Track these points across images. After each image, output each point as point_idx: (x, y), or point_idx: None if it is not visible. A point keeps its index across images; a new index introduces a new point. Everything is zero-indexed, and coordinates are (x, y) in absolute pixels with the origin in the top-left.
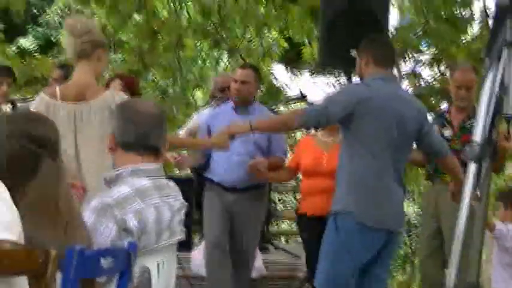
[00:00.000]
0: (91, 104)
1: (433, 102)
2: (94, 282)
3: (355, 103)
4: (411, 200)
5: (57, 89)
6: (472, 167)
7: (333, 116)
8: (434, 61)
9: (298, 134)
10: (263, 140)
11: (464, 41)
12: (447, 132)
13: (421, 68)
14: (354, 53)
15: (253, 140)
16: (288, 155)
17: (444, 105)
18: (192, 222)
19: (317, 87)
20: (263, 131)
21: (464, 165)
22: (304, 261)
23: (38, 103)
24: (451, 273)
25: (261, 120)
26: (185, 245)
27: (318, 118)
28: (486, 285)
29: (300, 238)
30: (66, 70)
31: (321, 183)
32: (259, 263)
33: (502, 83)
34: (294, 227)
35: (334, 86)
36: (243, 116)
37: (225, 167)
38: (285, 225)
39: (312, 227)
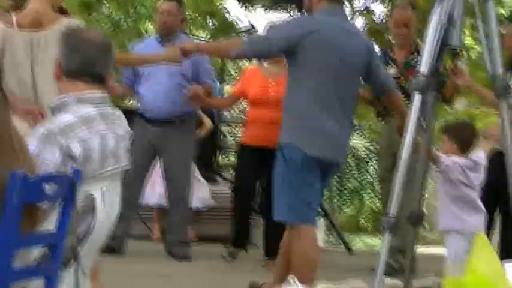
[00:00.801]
0: (48, 32)
1: (387, 39)
2: (37, 207)
3: (300, 35)
4: (360, 134)
5: (13, 17)
6: (417, 98)
7: (275, 47)
8: None
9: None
10: (189, 70)
11: None
12: (392, 71)
13: (373, 4)
14: None
15: (179, 71)
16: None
17: None
18: None
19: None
20: (206, 54)
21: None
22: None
23: None
24: (392, 203)
25: (206, 44)
26: None
27: (259, 49)
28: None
29: None
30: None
31: (267, 114)
32: (206, 194)
33: (450, 16)
34: None
35: None
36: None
37: (151, 99)
38: (234, 157)
39: (251, 157)
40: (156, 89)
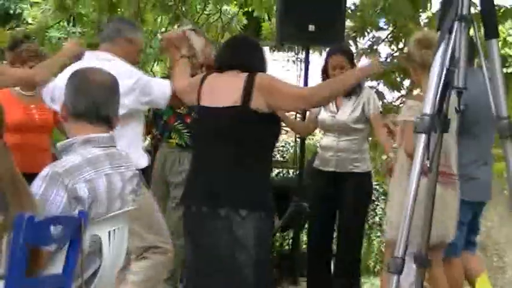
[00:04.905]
0: None
1: (397, 79)
2: (42, 250)
3: None
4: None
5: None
6: (422, 139)
7: None
8: (393, 38)
9: None
10: None
11: (426, 18)
12: None
13: (379, 45)
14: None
15: None
16: None
17: (407, 82)
18: None
19: (277, 63)
20: None
21: None
22: None
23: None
24: (399, 246)
25: None
26: None
27: None
28: None
29: None
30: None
31: (32, 139)
32: None
33: (452, 56)
34: None
35: (293, 62)
36: None
37: None
38: None
39: None
40: None
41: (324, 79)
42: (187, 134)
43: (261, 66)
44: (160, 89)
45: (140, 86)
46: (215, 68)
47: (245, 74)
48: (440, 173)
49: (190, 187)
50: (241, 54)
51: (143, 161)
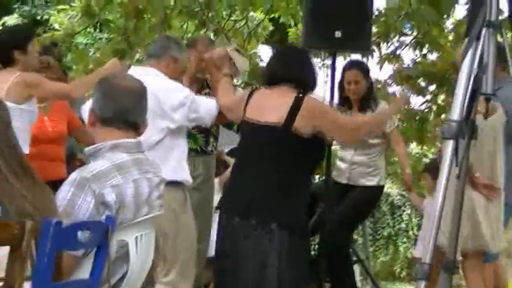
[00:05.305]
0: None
1: (423, 85)
2: (68, 256)
3: None
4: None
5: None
6: (450, 145)
7: None
8: (417, 44)
9: None
10: None
11: (451, 24)
12: None
13: (402, 50)
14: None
15: None
16: None
17: (432, 88)
18: None
19: None
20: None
21: None
22: None
23: None
24: (428, 251)
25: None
26: None
27: None
28: None
29: None
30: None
31: (45, 149)
32: None
33: (481, 62)
34: None
35: (319, 68)
36: None
37: None
38: None
39: None
40: None
41: (340, 93)
42: (204, 139)
43: (313, 79)
44: (206, 107)
45: (189, 102)
46: (264, 81)
47: (294, 95)
48: (486, 186)
49: (226, 197)
50: (293, 69)
51: (190, 178)
